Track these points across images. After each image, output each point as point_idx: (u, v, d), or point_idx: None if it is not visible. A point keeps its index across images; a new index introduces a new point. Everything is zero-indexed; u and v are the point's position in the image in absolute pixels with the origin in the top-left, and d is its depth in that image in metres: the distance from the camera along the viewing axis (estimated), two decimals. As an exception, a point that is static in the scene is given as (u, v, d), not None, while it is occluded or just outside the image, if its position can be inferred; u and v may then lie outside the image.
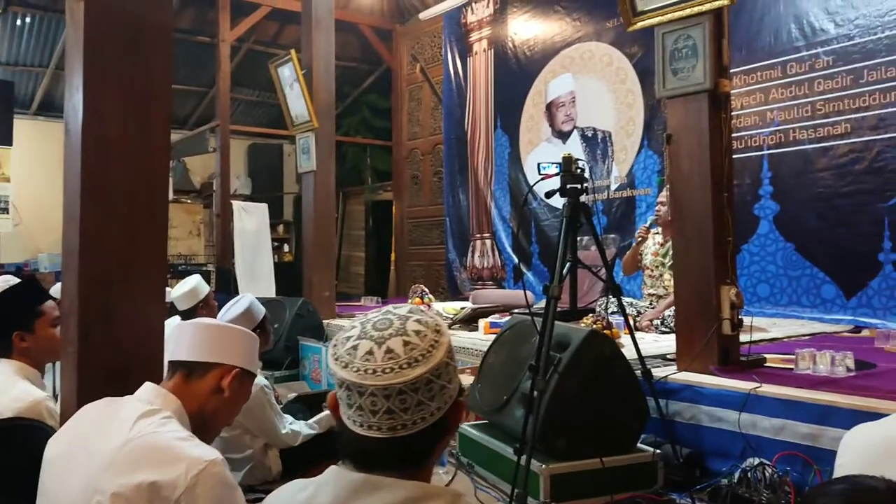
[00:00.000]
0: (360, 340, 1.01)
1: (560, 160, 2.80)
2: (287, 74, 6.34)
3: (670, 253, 4.69)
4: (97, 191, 1.96)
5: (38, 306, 2.32)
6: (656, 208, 4.85)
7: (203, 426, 1.61)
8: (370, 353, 0.99)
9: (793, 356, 3.20)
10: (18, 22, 8.09)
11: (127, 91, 2.00)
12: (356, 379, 0.98)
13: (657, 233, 4.89)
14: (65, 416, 1.99)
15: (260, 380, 2.99)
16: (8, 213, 8.46)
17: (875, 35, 4.76)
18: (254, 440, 3.00)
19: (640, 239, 4.86)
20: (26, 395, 2.11)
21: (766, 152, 5.33)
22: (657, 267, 4.83)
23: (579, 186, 2.68)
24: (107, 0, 1.99)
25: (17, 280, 2.56)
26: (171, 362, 1.66)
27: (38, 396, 2.13)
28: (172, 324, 3.76)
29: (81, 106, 1.95)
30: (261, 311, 3.25)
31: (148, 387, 1.59)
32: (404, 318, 1.03)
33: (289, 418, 3.16)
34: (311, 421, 3.24)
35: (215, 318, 3.47)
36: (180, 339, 1.67)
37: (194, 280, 3.81)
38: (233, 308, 3.16)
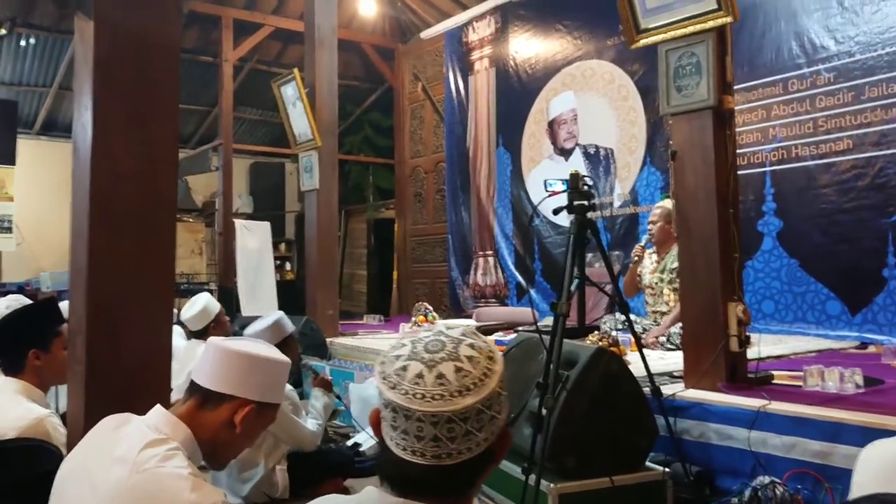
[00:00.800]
0: (410, 361, 0.96)
1: (566, 177, 2.80)
2: (290, 93, 6.37)
3: (667, 268, 4.70)
4: (106, 209, 1.96)
5: (57, 326, 2.31)
6: (648, 227, 4.85)
7: (214, 454, 1.56)
8: (420, 375, 0.94)
9: (801, 373, 3.19)
10: (23, 43, 8.14)
11: (135, 110, 2.01)
12: (404, 402, 0.93)
13: (653, 252, 4.89)
14: (72, 437, 1.98)
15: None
16: (11, 232, 8.47)
17: (875, 52, 4.78)
18: (269, 455, 3.01)
19: (636, 258, 4.84)
20: (29, 413, 2.10)
21: (768, 168, 5.34)
22: (657, 284, 4.83)
23: (587, 203, 2.68)
24: (116, 20, 1.99)
25: (27, 300, 2.56)
26: (191, 382, 1.57)
27: (41, 414, 2.12)
28: (181, 344, 3.78)
29: (90, 125, 1.95)
30: (289, 327, 3.27)
31: (159, 412, 1.52)
32: (457, 341, 0.98)
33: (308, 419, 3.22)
34: (311, 418, 3.28)
35: (228, 335, 3.48)
36: (204, 360, 1.57)
37: (203, 299, 3.80)
38: (261, 321, 3.21)
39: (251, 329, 3.20)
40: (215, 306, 3.85)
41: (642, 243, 4.83)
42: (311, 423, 3.21)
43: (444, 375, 0.94)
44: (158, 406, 1.55)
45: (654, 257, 4.87)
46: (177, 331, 3.73)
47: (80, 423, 1.92)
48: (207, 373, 1.55)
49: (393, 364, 0.97)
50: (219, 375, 1.54)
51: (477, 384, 0.94)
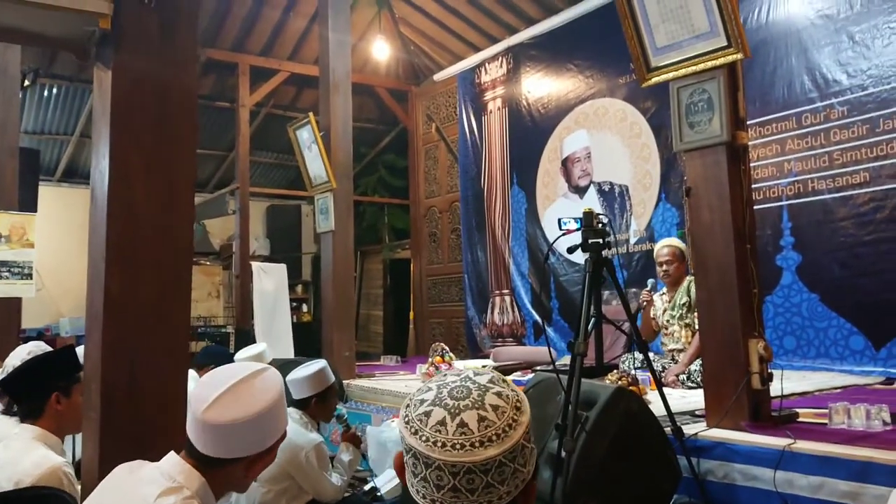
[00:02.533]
0: (434, 407, 0.93)
1: (580, 215, 2.80)
2: (305, 137, 6.45)
3: (677, 305, 4.68)
4: (122, 255, 1.97)
5: (77, 372, 2.32)
6: (663, 268, 4.77)
7: (225, 493, 1.57)
8: (442, 423, 0.91)
9: (826, 410, 3.12)
10: (45, 93, 8.34)
11: (153, 157, 2.03)
12: (423, 449, 0.91)
13: (663, 293, 4.84)
14: (86, 484, 1.97)
15: (315, 437, 3.09)
16: (31, 278, 8.56)
17: (889, 84, 4.78)
18: (291, 502, 3.02)
19: (645, 304, 4.77)
20: (45, 461, 2.09)
21: (785, 203, 5.31)
22: (668, 322, 4.78)
23: (601, 241, 2.67)
24: (133, 70, 2.03)
25: (48, 347, 2.57)
26: (193, 448, 1.49)
27: (57, 462, 2.11)
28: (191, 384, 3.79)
29: (108, 172, 1.97)
30: (331, 378, 3.36)
31: (173, 459, 1.49)
32: (484, 388, 0.95)
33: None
34: (336, 472, 3.32)
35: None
36: (199, 433, 1.46)
37: (261, 347, 4.01)
38: (304, 368, 3.30)
39: (293, 375, 3.26)
40: (269, 357, 4.10)
41: (648, 288, 4.74)
42: (336, 478, 3.21)
43: (467, 424, 0.91)
44: (172, 453, 1.54)
45: (665, 297, 4.82)
46: (191, 375, 3.74)
47: (94, 471, 1.91)
48: (210, 446, 1.46)
49: (417, 408, 0.95)
50: (224, 446, 1.47)
51: (500, 435, 0.91)
